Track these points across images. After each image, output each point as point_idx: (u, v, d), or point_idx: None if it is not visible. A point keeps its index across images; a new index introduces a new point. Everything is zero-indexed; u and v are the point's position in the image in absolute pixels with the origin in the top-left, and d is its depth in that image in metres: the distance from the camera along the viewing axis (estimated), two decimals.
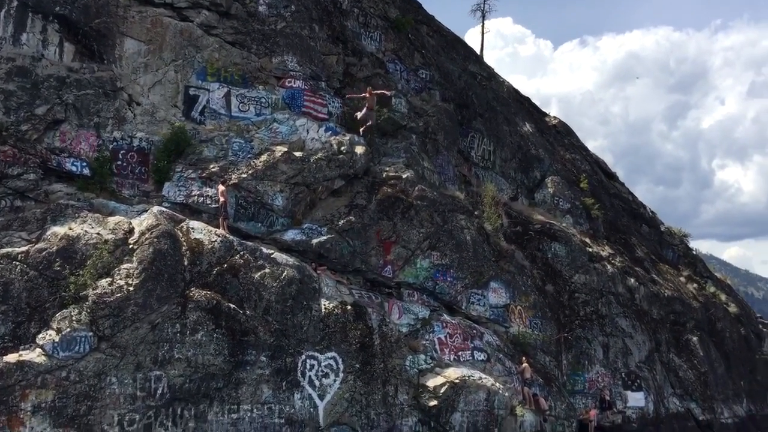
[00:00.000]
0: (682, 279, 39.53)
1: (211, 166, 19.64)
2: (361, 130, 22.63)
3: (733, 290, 49.33)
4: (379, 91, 23.20)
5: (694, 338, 34.03)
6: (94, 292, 15.45)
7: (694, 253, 46.62)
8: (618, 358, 28.23)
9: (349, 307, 19.05)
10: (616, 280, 29.95)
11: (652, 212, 44.52)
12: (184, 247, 17.09)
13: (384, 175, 22.43)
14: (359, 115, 22.70)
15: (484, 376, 20.37)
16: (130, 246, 16.51)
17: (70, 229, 16.39)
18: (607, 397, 26.35)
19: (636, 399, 28.01)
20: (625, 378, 28.08)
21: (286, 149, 20.69)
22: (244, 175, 19.71)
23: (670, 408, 30.61)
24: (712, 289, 42.42)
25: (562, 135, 39.16)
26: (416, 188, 22.66)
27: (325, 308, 18.56)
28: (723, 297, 43.36)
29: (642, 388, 28.54)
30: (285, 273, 18.20)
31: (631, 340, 29.22)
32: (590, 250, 29.86)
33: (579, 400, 25.20)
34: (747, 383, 40.19)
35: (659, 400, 29.66)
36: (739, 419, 36.66)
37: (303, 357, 17.74)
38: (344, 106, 23.47)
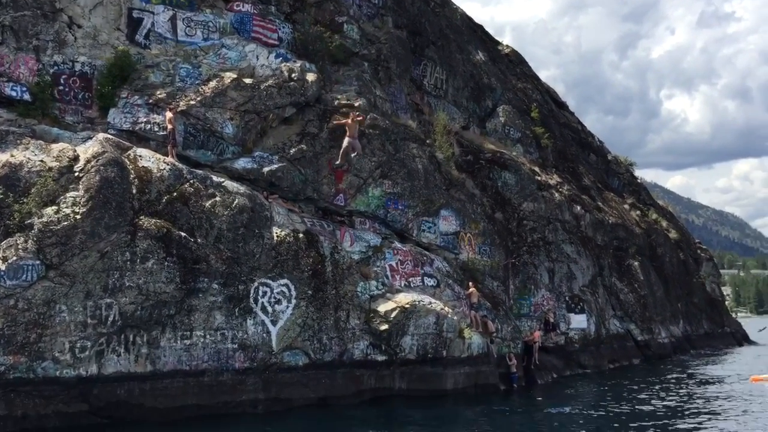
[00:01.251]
0: (626, 206, 40.75)
1: (158, 92, 19.16)
2: (352, 156, 20.97)
3: (675, 217, 51.14)
4: (360, 117, 21.32)
5: (636, 263, 35.37)
6: (40, 220, 15.20)
7: (639, 181, 47.94)
8: (563, 282, 29.25)
9: (301, 235, 19.18)
10: (563, 208, 30.71)
11: (600, 141, 45.37)
12: (132, 175, 16.83)
13: (336, 103, 22.24)
14: (343, 147, 20.67)
15: (433, 301, 20.90)
16: (76, 174, 16.17)
17: (12, 156, 15.95)
18: (551, 320, 27.41)
19: (578, 321, 29.22)
20: (569, 301, 29.18)
21: (235, 76, 20.27)
22: (193, 102, 19.31)
23: (610, 329, 32.06)
24: (655, 216, 43.92)
25: (514, 64, 39.20)
26: (368, 116, 22.56)
27: (277, 236, 18.65)
28: (664, 224, 44.96)
29: (584, 311, 29.73)
30: (236, 201, 18.14)
31: (576, 266, 30.23)
32: (539, 178, 30.43)
33: (524, 322, 26.15)
34: (684, 305, 42.20)
35: (600, 322, 30.98)
36: (676, 339, 38.66)
37: (255, 284, 17.90)
38: (295, 32, 22.96)
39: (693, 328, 43.25)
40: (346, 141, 20.67)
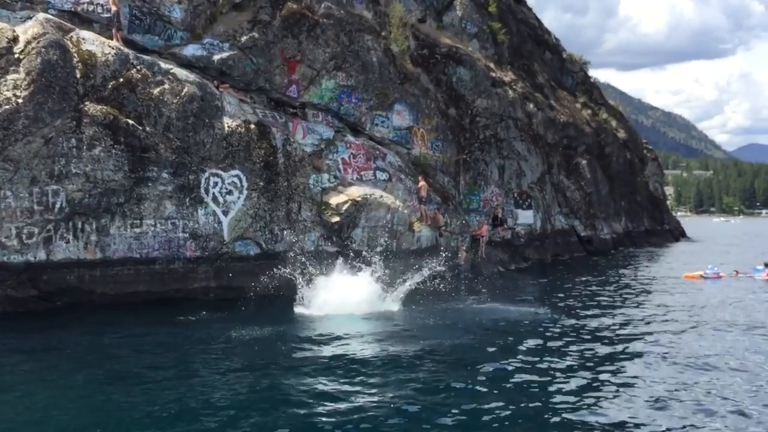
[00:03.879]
0: (578, 105, 41.16)
1: None
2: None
3: (624, 117, 51.95)
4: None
5: (584, 161, 36.19)
6: None
7: (592, 81, 48.18)
8: (512, 179, 29.85)
9: (252, 126, 18.97)
10: (516, 105, 30.89)
11: (556, 39, 45.10)
12: (75, 59, 16.19)
13: None
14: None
15: (385, 194, 21.17)
16: (16, 56, 15.47)
17: None
18: (500, 215, 28.14)
19: (525, 216, 30.09)
20: (517, 198, 29.91)
21: None
22: None
23: (555, 225, 33.13)
24: (605, 116, 44.56)
25: None
26: (322, 5, 21.92)
27: (228, 127, 18.41)
28: (614, 123, 45.73)
29: (532, 207, 30.55)
30: (185, 90, 17.73)
31: (526, 163, 30.79)
32: (494, 75, 30.34)
33: (474, 217, 26.81)
34: (627, 203, 43.66)
35: (546, 218, 31.96)
36: (617, 235, 40.23)
37: (206, 174, 17.81)
38: None
39: (634, 225, 44.97)
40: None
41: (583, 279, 24.56)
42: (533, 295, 20.29)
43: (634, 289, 22.01)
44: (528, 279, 25.03)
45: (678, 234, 54.55)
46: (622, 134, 46.26)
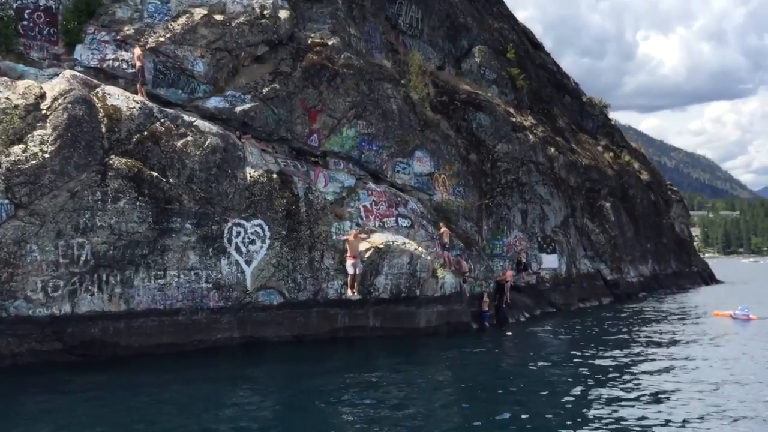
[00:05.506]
0: (600, 148, 41.06)
1: (126, 28, 18.67)
2: (355, 286, 19.32)
3: (647, 159, 51.71)
4: (363, 235, 20.06)
5: (607, 204, 35.89)
6: (7, 159, 14.92)
7: (613, 123, 48.17)
8: (535, 223, 29.63)
9: (274, 176, 19.09)
10: (537, 150, 30.87)
11: (575, 83, 45.33)
12: (100, 114, 16.52)
13: (309, 42, 21.84)
14: (350, 276, 19.21)
15: (407, 241, 21.07)
16: (43, 112, 15.83)
17: None
18: (524, 260, 27.86)
19: (550, 261, 29.74)
20: (541, 242, 29.62)
21: (205, 12, 19.78)
22: (162, 39, 18.86)
23: (581, 269, 32.70)
24: (627, 158, 44.36)
25: (490, 3, 38.68)
26: (342, 56, 22.25)
27: (251, 176, 18.55)
28: (636, 165, 45.49)
29: (556, 251, 30.23)
30: (208, 141, 17.95)
31: (549, 207, 30.59)
32: (514, 119, 30.43)
33: (497, 262, 26.55)
34: (653, 245, 43.08)
35: (572, 262, 31.57)
36: (644, 278, 39.58)
37: (229, 224, 17.88)
38: None
39: (661, 268, 44.28)
40: (349, 264, 19.24)
41: (611, 323, 24.09)
42: (559, 347, 19.93)
43: (666, 331, 21.51)
44: (554, 325, 24.62)
45: (706, 276, 53.56)
46: (645, 176, 45.96)
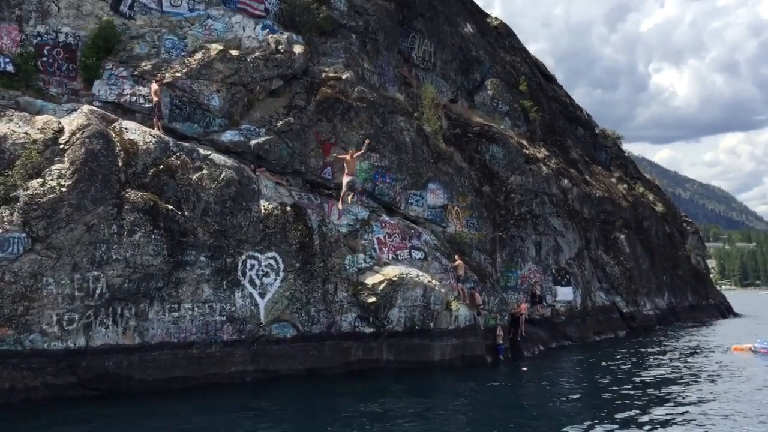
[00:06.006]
0: (613, 180, 40.96)
1: (143, 63, 19.00)
2: (349, 198, 20.54)
3: (661, 191, 51.49)
4: (362, 151, 20.95)
5: (622, 236, 35.67)
6: (26, 192, 15.10)
7: (626, 155, 48.15)
8: (549, 255, 29.46)
9: (288, 208, 19.17)
10: (551, 181, 30.83)
11: (588, 115, 45.44)
12: (117, 148, 16.73)
13: (323, 76, 22.11)
14: (343, 188, 20.27)
15: (421, 273, 21.00)
16: (61, 146, 16.05)
17: None
18: (538, 292, 27.65)
19: (565, 293, 29.49)
20: (556, 274, 29.42)
21: (221, 47, 20.11)
22: (179, 74, 19.16)
23: (596, 302, 32.39)
24: (641, 190, 44.19)
25: (503, 37, 39.03)
26: (356, 89, 22.47)
27: (265, 209, 18.64)
28: (651, 197, 45.28)
29: (571, 284, 30.00)
30: (223, 174, 18.09)
31: (563, 239, 30.44)
32: (527, 151, 30.48)
33: (511, 295, 26.37)
34: (669, 278, 42.65)
35: (587, 294, 31.30)
36: (661, 311, 39.12)
37: (243, 257, 17.91)
38: (282, 3, 22.73)
39: (678, 300, 43.78)
40: (345, 181, 20.08)
41: (628, 356, 23.77)
42: (579, 374, 19.67)
43: (685, 366, 21.19)
44: (570, 359, 24.33)
45: (724, 309, 52.82)
46: (660, 208, 45.73)
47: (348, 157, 20.33)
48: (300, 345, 18.53)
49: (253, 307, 17.86)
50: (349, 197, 20.64)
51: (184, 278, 16.86)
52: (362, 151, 20.91)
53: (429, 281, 20.84)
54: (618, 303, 34.25)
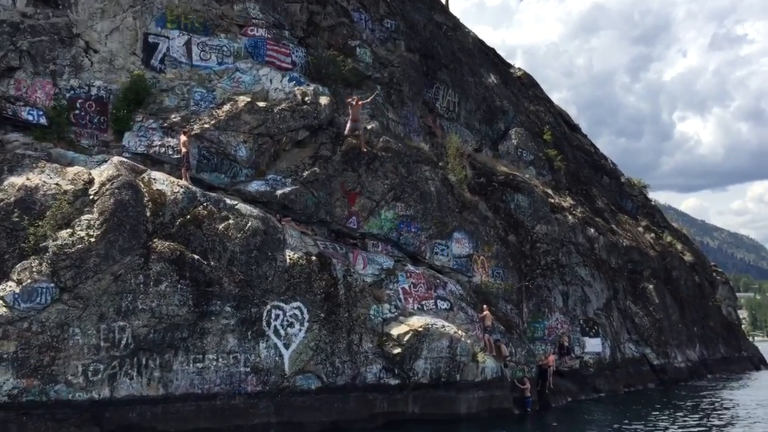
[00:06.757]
0: (640, 229, 40.48)
1: (173, 115, 19.34)
2: (359, 144, 21.79)
3: (689, 240, 50.74)
4: (368, 100, 22.69)
5: (651, 286, 35.05)
6: (55, 243, 15.28)
7: (653, 203, 47.69)
8: (577, 305, 29.00)
9: (313, 258, 19.15)
10: (577, 231, 30.56)
11: (613, 164, 45.25)
12: (146, 198, 16.92)
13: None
14: (346, 131, 21.65)
15: (447, 324, 20.75)
16: (91, 197, 16.29)
17: (28, 179, 16.10)
18: (566, 344, 27.12)
19: (593, 345, 28.91)
20: (584, 325, 28.90)
21: (249, 99, 20.44)
22: (207, 126, 19.46)
23: (626, 353, 31.67)
24: (669, 239, 43.57)
25: (526, 87, 39.31)
26: (381, 139, 22.64)
27: (290, 259, 18.63)
28: (679, 246, 44.60)
29: (599, 335, 29.43)
30: (249, 224, 18.17)
31: (590, 289, 29.99)
32: (552, 200, 30.32)
33: (539, 346, 25.89)
34: (700, 329, 41.68)
35: (616, 346, 30.65)
36: (692, 363, 38.11)
37: (268, 307, 17.85)
38: (308, 55, 23.16)
39: (709, 353, 42.66)
40: (348, 125, 21.60)
41: (661, 411, 23.08)
42: (610, 429, 19.09)
43: (720, 422, 20.51)
44: (601, 411, 23.70)
45: (757, 361, 51.33)
46: (688, 257, 44.98)
47: (354, 102, 21.58)
48: (324, 397, 18.27)
49: (277, 358, 17.71)
50: (354, 140, 21.88)
51: (209, 328, 16.81)
52: (368, 100, 22.66)
53: (455, 332, 20.57)
54: (648, 355, 33.44)
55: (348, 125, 21.64)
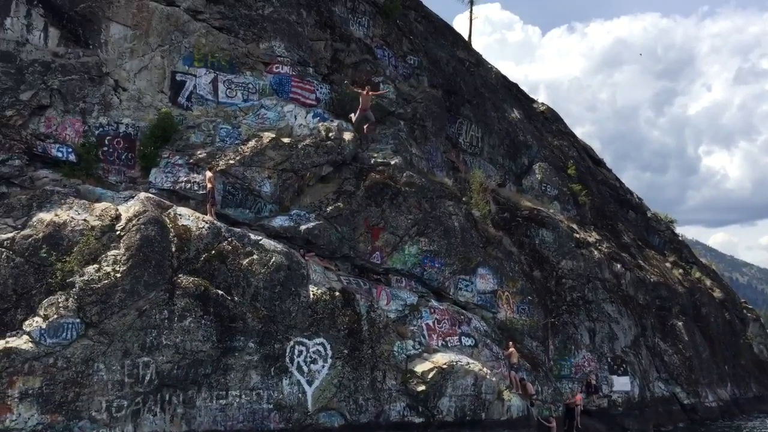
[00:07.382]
0: (668, 264, 39.86)
1: (199, 152, 19.56)
2: (365, 128, 22.71)
3: (718, 275, 49.83)
4: (379, 92, 23.46)
5: (680, 323, 34.36)
6: (81, 278, 15.40)
7: (680, 239, 47.00)
8: (604, 343, 28.47)
9: (337, 294, 19.08)
10: (603, 266, 30.14)
11: (638, 198, 44.81)
12: (171, 234, 17.05)
13: (372, 162, 22.41)
14: (353, 117, 22.43)
15: (471, 361, 20.49)
16: (117, 232, 16.45)
17: (56, 215, 16.30)
18: (593, 382, 26.59)
19: (622, 383, 28.29)
20: (611, 363, 28.34)
21: (273, 135, 20.63)
22: (232, 162, 19.65)
23: (655, 392, 30.94)
24: (698, 275, 42.82)
25: (549, 121, 39.26)
26: (404, 174, 22.67)
27: (314, 294, 18.58)
28: (708, 282, 43.79)
29: (628, 373, 28.81)
30: (273, 259, 18.20)
31: (617, 326, 29.46)
32: (577, 236, 30.01)
33: (565, 384, 25.41)
34: (731, 367, 40.67)
35: (645, 385, 29.97)
36: (724, 403, 37.11)
37: (291, 343, 17.77)
38: (332, 92, 23.39)
39: (741, 392, 41.53)
40: (357, 115, 22.24)
41: None
42: None
43: None
44: None
45: None
46: (718, 293, 44.11)
47: (364, 92, 22.16)
48: None
49: (300, 395, 17.56)
50: (364, 127, 22.54)
51: (233, 364, 16.75)
52: (378, 92, 23.43)
53: (480, 369, 20.29)
54: (678, 394, 32.63)
55: (357, 115, 22.27)
